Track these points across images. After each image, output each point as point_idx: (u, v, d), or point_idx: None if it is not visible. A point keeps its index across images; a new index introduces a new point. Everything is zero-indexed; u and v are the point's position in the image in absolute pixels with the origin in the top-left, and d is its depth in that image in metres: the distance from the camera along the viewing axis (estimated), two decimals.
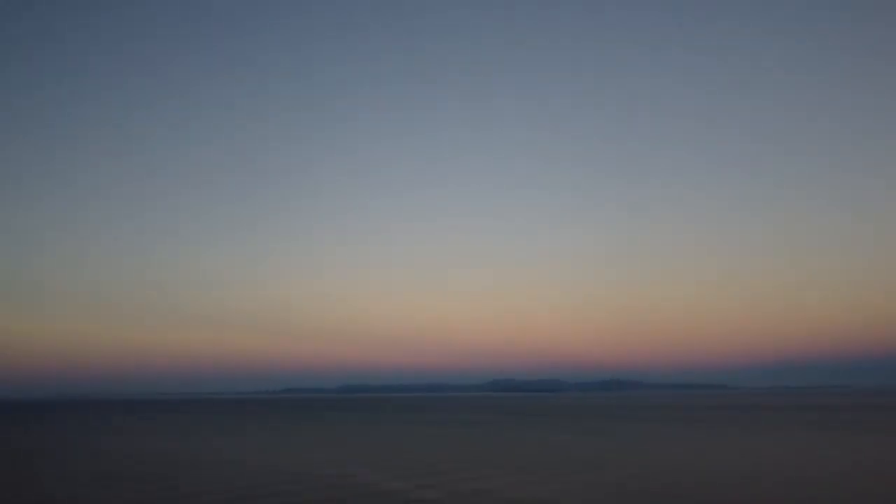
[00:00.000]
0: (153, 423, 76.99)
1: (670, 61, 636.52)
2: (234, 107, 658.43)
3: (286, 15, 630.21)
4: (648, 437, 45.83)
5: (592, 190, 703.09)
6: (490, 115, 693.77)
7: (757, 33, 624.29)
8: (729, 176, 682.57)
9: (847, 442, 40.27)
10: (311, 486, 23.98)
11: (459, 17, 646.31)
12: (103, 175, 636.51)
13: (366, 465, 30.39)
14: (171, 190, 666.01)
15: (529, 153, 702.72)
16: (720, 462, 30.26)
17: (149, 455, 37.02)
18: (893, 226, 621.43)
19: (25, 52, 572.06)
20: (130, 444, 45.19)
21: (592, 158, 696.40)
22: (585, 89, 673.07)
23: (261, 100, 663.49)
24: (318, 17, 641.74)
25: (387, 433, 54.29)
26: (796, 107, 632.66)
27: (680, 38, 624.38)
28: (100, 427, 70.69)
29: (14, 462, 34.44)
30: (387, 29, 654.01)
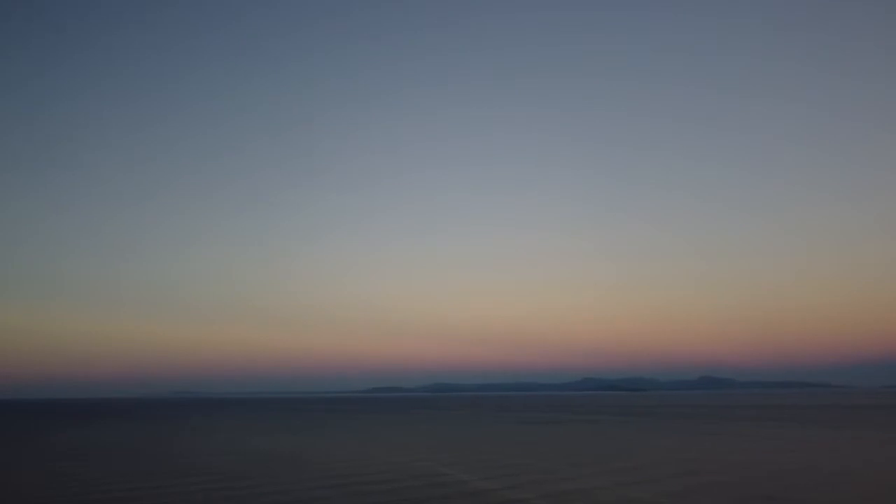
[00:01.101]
0: (251, 422, 78.85)
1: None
2: (344, 108, 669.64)
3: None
4: (757, 438, 43.50)
5: (688, 187, 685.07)
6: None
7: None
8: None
9: None
10: (404, 486, 23.49)
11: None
12: (205, 175, 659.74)
13: (456, 464, 29.76)
14: (263, 190, 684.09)
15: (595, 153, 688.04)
16: (845, 465, 28.13)
17: (249, 452, 37.53)
18: None
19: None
20: (234, 442, 46.09)
21: (704, 156, 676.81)
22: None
23: (363, 105, 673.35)
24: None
25: (477, 432, 53.63)
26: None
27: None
28: (201, 426, 72.87)
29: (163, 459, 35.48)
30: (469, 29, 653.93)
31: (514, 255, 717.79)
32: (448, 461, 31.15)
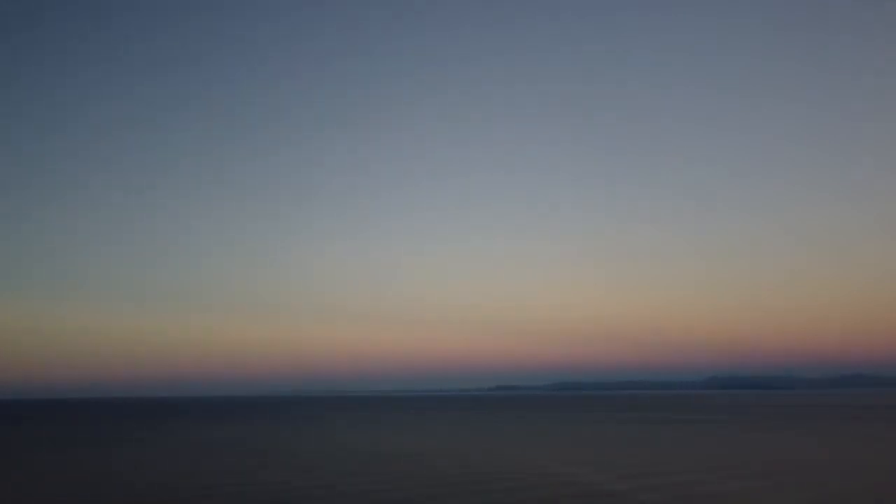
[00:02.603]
0: (371, 420, 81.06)
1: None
2: (448, 118, 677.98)
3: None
4: None
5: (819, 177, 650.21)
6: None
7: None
8: None
9: None
10: (533, 484, 23.70)
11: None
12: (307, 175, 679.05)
13: (586, 465, 29.66)
14: (392, 185, 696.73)
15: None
16: None
17: (371, 450, 38.76)
18: None
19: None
20: (366, 439, 47.68)
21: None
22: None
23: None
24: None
25: (604, 432, 52.99)
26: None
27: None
28: (323, 424, 75.56)
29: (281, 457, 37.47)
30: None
31: (634, 251, 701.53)
32: (576, 461, 31.07)
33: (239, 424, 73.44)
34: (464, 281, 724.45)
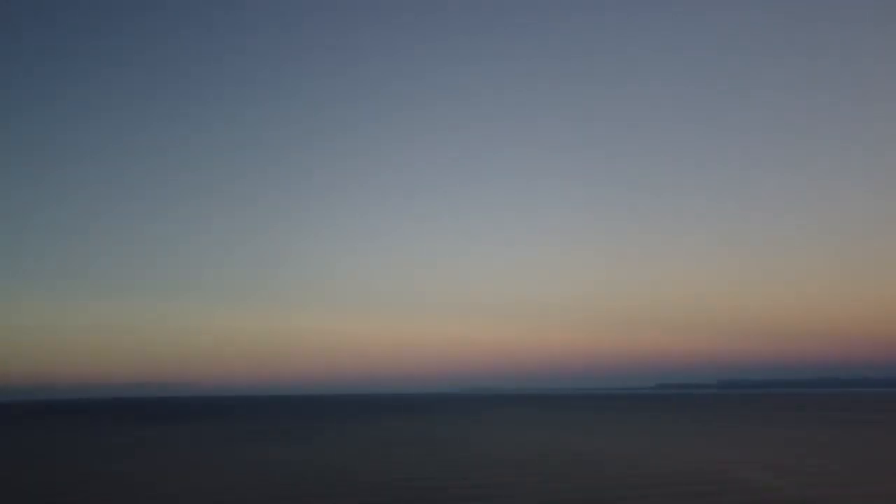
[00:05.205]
0: (529, 417, 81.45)
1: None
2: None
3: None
4: None
5: None
6: None
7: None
8: None
9: None
10: (699, 490, 23.35)
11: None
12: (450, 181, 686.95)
13: (764, 468, 28.74)
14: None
15: None
16: None
17: (533, 447, 39.30)
18: None
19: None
20: (529, 438, 48.38)
21: None
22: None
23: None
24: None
25: (782, 432, 50.52)
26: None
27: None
28: (487, 420, 76.79)
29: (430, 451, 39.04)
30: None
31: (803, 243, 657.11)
32: (756, 465, 30.15)
33: (400, 420, 76.00)
34: (627, 279, 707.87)
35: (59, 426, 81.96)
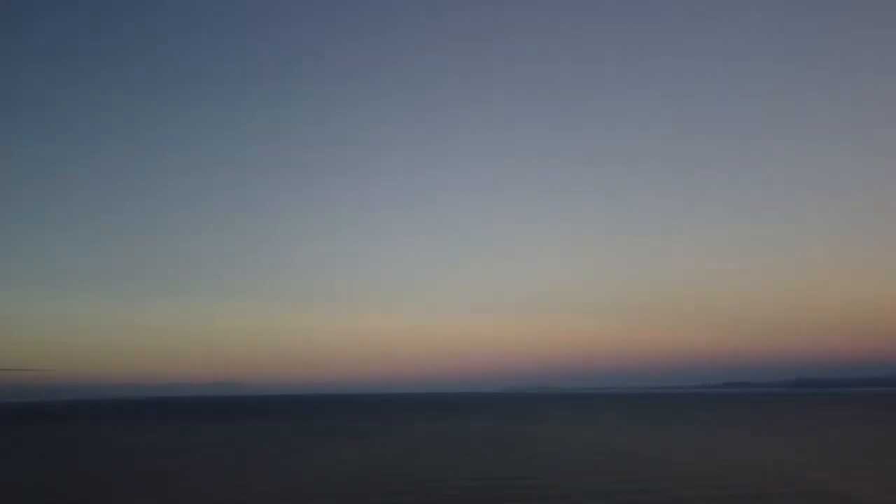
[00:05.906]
0: (601, 418, 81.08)
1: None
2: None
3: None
4: None
5: None
6: None
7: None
8: None
9: None
10: (767, 492, 23.49)
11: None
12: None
13: (831, 470, 28.56)
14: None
15: None
16: None
17: (615, 447, 39.56)
18: None
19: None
20: (598, 437, 48.58)
21: None
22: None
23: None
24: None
25: (855, 432, 49.38)
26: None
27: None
28: (560, 420, 76.80)
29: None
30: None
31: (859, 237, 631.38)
32: (833, 467, 29.96)
33: (462, 419, 76.37)
34: (688, 277, 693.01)
35: (158, 426, 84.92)
